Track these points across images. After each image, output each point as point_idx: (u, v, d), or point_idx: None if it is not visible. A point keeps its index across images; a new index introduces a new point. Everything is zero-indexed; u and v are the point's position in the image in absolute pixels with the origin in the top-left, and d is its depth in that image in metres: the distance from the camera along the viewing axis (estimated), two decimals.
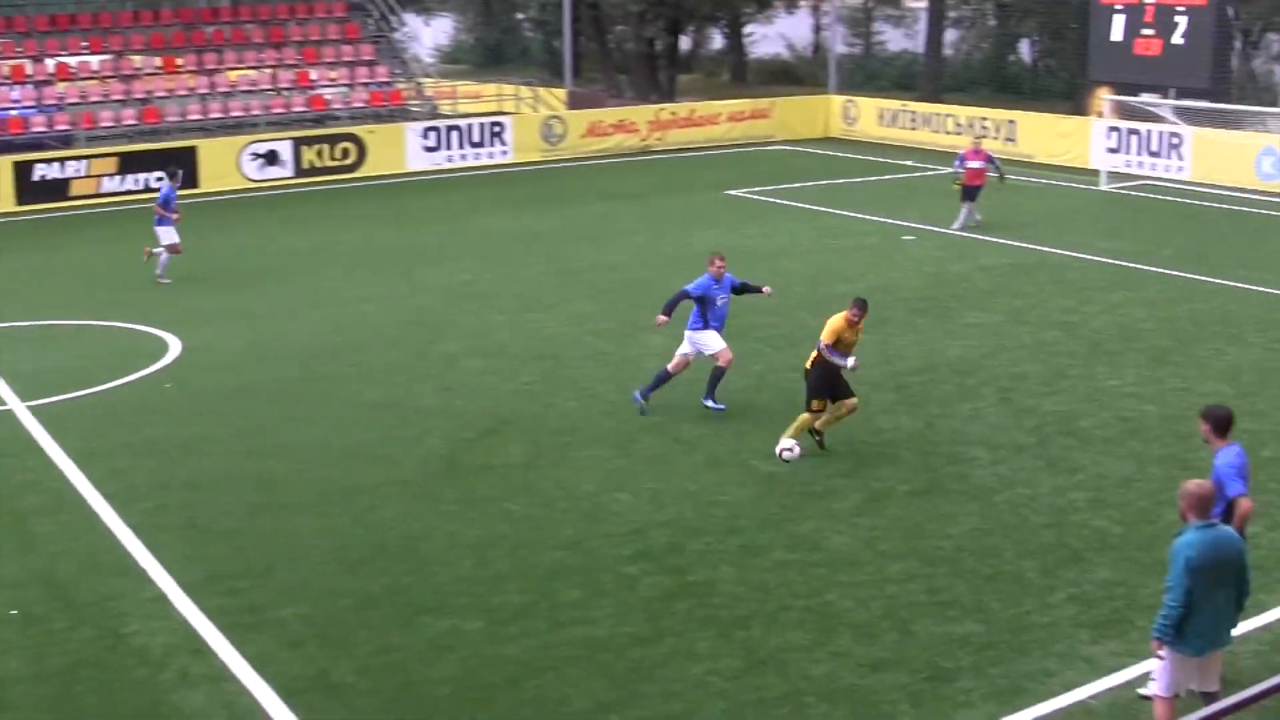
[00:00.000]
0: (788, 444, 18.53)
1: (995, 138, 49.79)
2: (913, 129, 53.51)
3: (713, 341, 20.91)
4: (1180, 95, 46.58)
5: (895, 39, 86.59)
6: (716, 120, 53.45)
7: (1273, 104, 50.03)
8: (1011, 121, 50.08)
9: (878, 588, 14.88)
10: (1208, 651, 11.25)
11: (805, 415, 18.87)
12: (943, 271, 30.50)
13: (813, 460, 18.67)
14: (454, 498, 17.56)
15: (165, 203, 30.53)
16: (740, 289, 21.31)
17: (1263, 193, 41.06)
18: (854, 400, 19.08)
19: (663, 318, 20.82)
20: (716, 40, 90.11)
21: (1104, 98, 46.09)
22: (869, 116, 55.43)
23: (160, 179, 34.93)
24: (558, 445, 19.39)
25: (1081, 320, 26.29)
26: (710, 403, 20.98)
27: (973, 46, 78.39)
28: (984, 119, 51.14)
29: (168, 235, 30.39)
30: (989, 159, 35.44)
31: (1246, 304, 27.75)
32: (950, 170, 35.48)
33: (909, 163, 48.38)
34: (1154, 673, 11.58)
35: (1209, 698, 11.27)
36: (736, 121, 53.91)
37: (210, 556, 15.93)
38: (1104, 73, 50.59)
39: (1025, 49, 76.53)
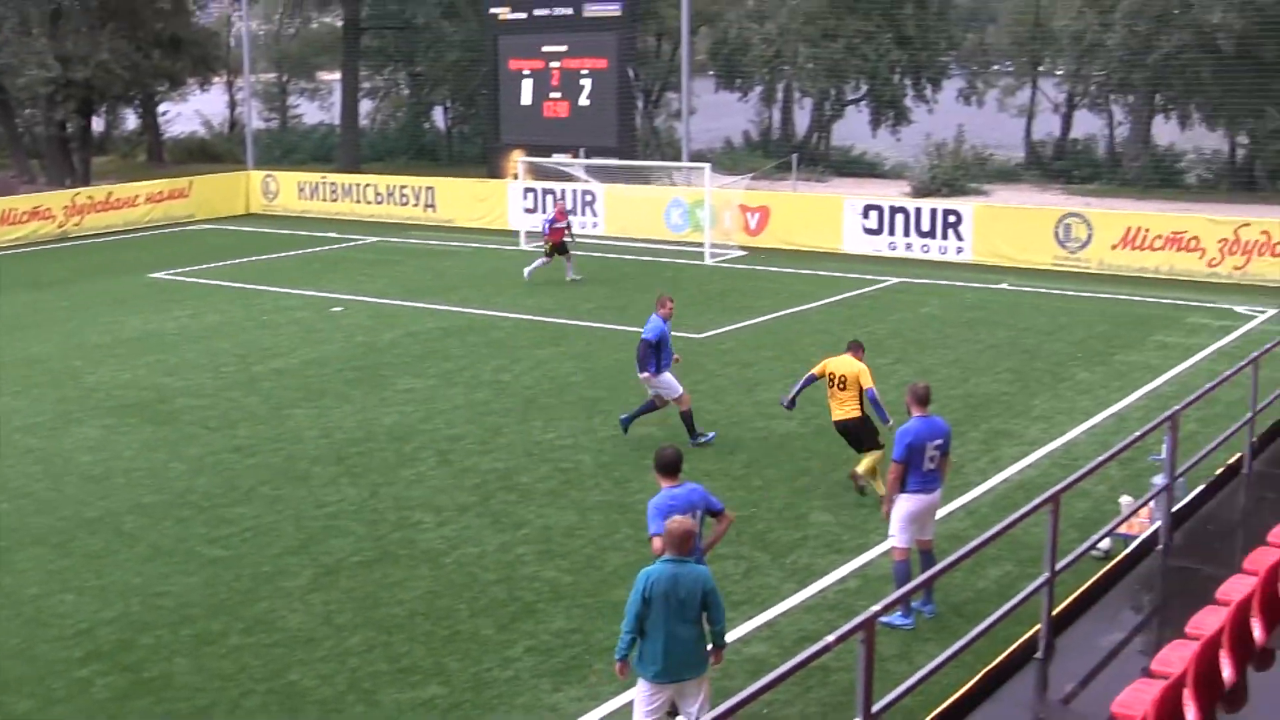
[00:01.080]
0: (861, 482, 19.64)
1: (416, 205, 50.62)
2: (334, 201, 53.72)
3: (671, 384, 21.97)
4: (590, 154, 48.47)
5: (311, 112, 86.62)
6: (135, 202, 52.28)
7: (676, 159, 52.50)
8: (430, 188, 50.94)
9: (339, 661, 14.91)
10: (669, 679, 11.78)
11: (875, 454, 19.54)
12: (374, 340, 30.74)
13: (258, 541, 18.54)
14: None
15: None
16: None
17: (673, 242, 43.11)
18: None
19: (645, 375, 21.97)
20: (130, 120, 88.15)
21: (518, 160, 47.45)
22: (289, 190, 55.34)
23: None
24: None
25: (513, 378, 26.98)
26: (699, 439, 22.18)
27: (388, 116, 79.25)
28: (403, 187, 51.85)
29: None
30: (566, 220, 38.19)
31: None
32: (540, 230, 39.00)
33: (333, 234, 48.56)
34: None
35: None
36: (156, 203, 52.87)
37: None
38: (516, 136, 52.26)
39: (439, 116, 77.85)
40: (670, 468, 13.26)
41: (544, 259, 37.48)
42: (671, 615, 11.59)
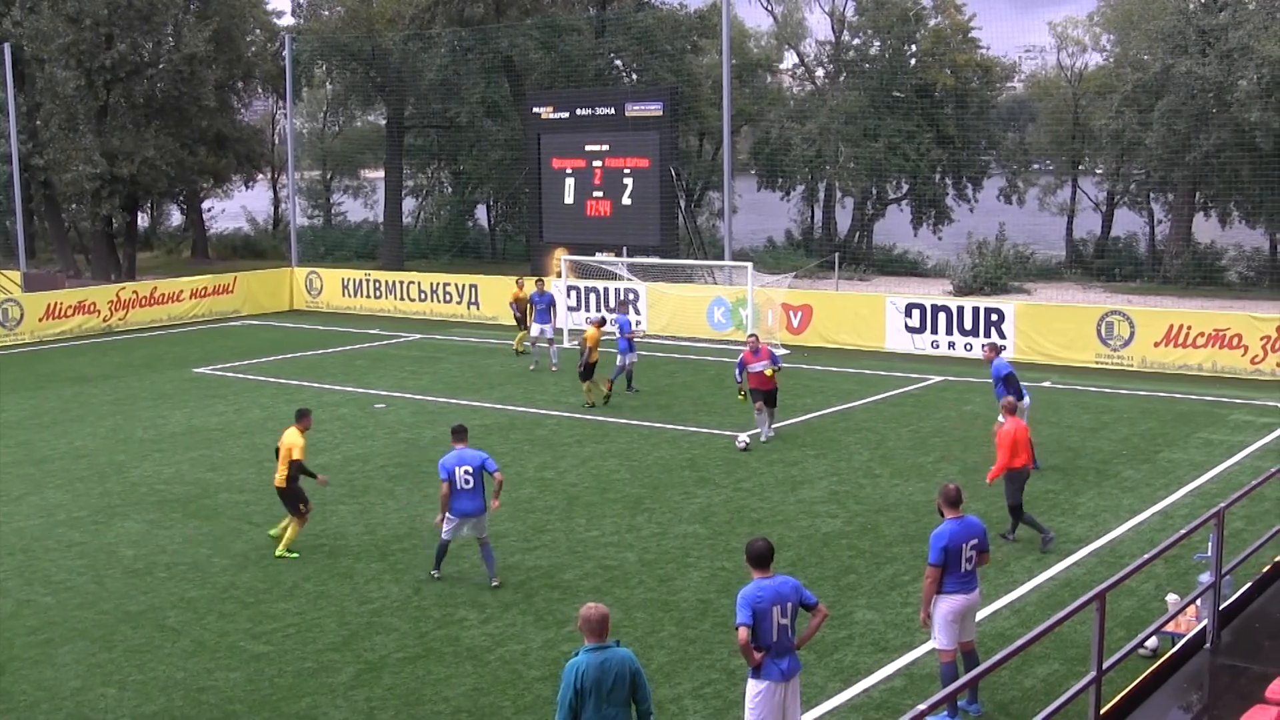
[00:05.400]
0: None
1: (459, 302, 50.86)
2: (377, 298, 54.04)
3: None
4: (633, 253, 48.69)
5: (355, 209, 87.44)
6: (179, 297, 52.75)
7: (719, 258, 52.64)
8: (474, 286, 51.19)
9: None
10: None
11: None
12: (417, 438, 30.76)
13: (301, 637, 18.50)
14: None
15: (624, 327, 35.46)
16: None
17: (716, 341, 43.12)
18: None
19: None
20: (175, 216, 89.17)
21: (561, 258, 47.61)
22: (333, 287, 55.70)
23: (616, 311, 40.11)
24: (36, 644, 18.58)
25: (556, 475, 26.94)
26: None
27: (432, 214, 79.86)
28: (447, 284, 52.10)
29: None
30: (771, 356, 29.82)
31: (711, 447, 29.01)
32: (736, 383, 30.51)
33: (375, 331, 48.83)
34: None
35: None
36: (200, 298, 53.34)
37: None
38: (558, 235, 52.58)
39: (483, 214, 78.39)
40: (761, 559, 13.18)
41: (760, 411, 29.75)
42: (603, 702, 11.69)
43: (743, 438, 28.31)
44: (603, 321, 35.81)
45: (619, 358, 35.13)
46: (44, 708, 16.46)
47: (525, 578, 20.67)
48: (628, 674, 11.79)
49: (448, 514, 20.17)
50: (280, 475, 22.04)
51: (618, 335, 35.23)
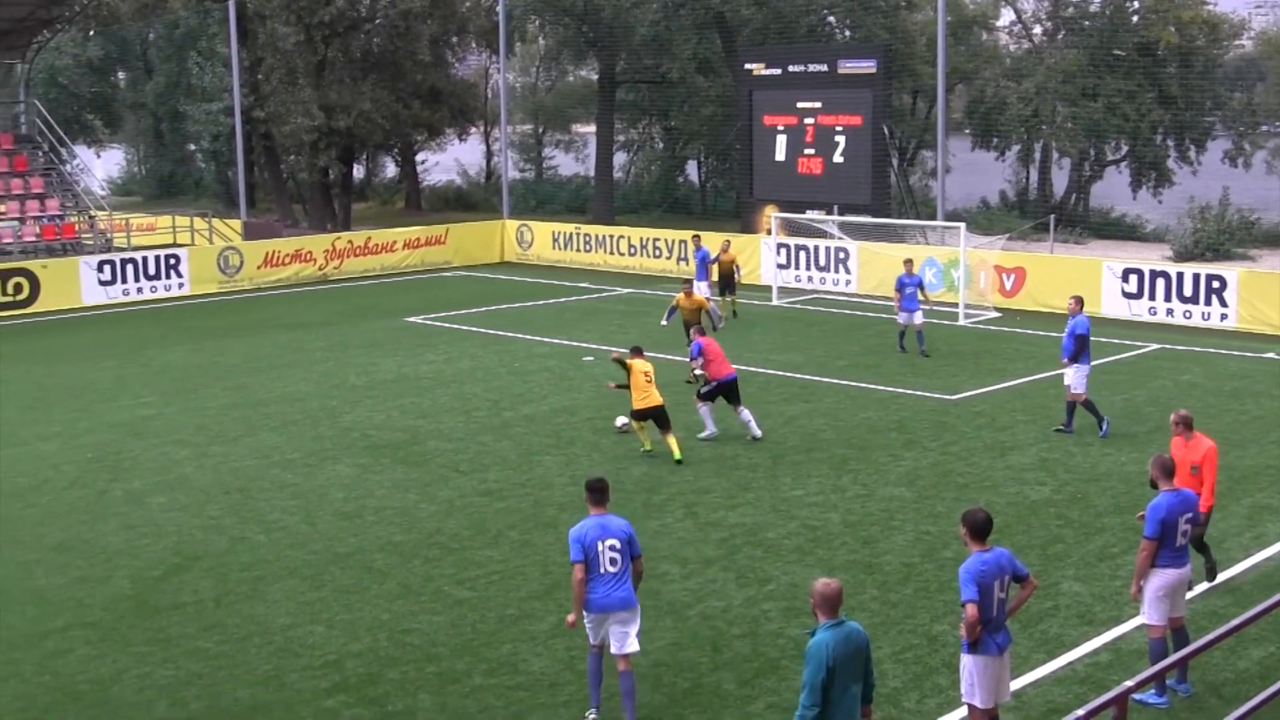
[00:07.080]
0: None
1: (669, 258, 50.91)
2: (587, 251, 54.26)
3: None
4: (843, 211, 48.26)
5: (567, 164, 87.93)
6: (393, 248, 53.47)
7: (931, 218, 51.99)
8: (683, 242, 51.11)
9: (581, 707, 14.83)
10: None
11: None
12: (625, 391, 30.75)
13: (505, 584, 18.65)
14: (144, 638, 17.00)
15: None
16: None
17: (921, 302, 42.48)
18: None
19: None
20: (390, 168, 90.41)
21: (772, 216, 47.34)
22: (543, 240, 56.06)
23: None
24: (249, 580, 18.99)
25: (762, 433, 26.72)
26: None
27: (642, 169, 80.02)
28: (657, 239, 52.18)
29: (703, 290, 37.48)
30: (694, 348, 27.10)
31: (919, 410, 28.66)
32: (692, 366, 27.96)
33: (585, 284, 49.04)
34: None
35: None
36: (413, 249, 54.02)
37: None
38: (769, 192, 52.27)
39: (693, 170, 78.32)
40: (981, 531, 12.80)
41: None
42: (847, 678, 11.42)
43: (621, 420, 26.90)
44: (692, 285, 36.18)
45: (901, 316, 35.25)
46: (255, 641, 16.82)
47: (728, 534, 20.61)
48: (865, 647, 11.60)
49: (585, 610, 14.41)
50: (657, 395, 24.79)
51: (901, 295, 35.18)
